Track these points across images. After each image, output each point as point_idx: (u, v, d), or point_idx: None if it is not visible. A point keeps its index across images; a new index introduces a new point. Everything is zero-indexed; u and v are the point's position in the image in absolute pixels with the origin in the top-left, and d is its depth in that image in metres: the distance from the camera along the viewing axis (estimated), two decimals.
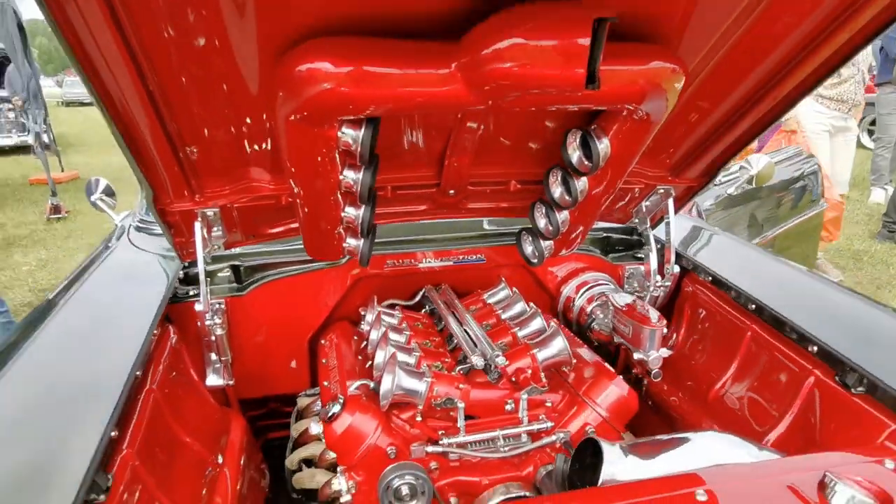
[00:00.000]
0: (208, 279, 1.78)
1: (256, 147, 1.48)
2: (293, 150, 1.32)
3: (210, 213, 1.63)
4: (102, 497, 1.08)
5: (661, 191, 1.98)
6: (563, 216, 1.77)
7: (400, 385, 1.48)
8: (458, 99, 1.17)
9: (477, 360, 1.59)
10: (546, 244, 1.91)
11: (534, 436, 1.58)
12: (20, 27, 7.99)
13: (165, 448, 1.42)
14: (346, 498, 1.47)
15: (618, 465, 1.26)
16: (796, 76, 1.47)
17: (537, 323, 1.79)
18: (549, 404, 1.64)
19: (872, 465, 1.22)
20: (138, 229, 2.32)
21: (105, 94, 1.17)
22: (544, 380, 1.63)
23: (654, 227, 2.14)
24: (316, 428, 1.72)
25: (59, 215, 7.71)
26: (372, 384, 1.59)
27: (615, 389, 1.64)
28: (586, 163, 1.53)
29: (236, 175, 1.57)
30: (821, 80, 1.51)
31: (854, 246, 6.51)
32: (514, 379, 1.62)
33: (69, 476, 1.05)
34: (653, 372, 1.91)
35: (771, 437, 1.61)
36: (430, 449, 1.50)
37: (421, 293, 2.15)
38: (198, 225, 1.63)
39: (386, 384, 1.49)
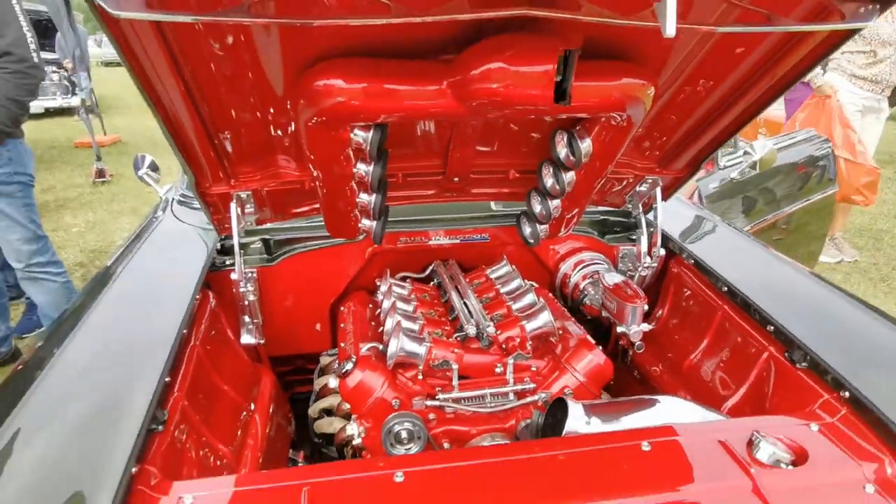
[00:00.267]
0: (242, 251, 2.03)
1: (283, 141, 1.72)
2: (312, 147, 1.55)
3: (243, 195, 1.88)
4: (160, 427, 1.37)
5: (651, 180, 2.16)
6: (555, 203, 1.98)
7: (403, 348, 1.73)
8: (450, 111, 1.39)
9: (470, 329, 1.84)
10: (541, 227, 2.13)
11: (519, 395, 1.82)
12: None
13: (207, 394, 1.70)
14: (357, 441, 1.75)
15: (581, 420, 1.50)
16: (765, 82, 1.63)
17: (529, 298, 2.01)
18: (534, 369, 1.88)
19: (799, 427, 1.43)
20: (180, 203, 2.60)
21: (158, 102, 1.41)
22: (529, 347, 1.86)
23: (647, 212, 2.33)
24: (334, 383, 2.00)
25: (104, 179, 8.11)
26: (381, 346, 1.85)
27: (593, 358, 1.86)
28: (572, 159, 1.74)
29: (266, 163, 1.81)
30: (790, 83, 1.66)
31: (877, 225, 6.51)
32: (504, 346, 1.86)
33: (136, 410, 1.33)
34: (636, 344, 2.13)
35: (729, 404, 1.83)
36: (428, 403, 1.75)
37: (430, 267, 2.39)
38: (233, 205, 1.88)
39: (392, 347, 1.74)
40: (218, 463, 1.59)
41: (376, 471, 1.29)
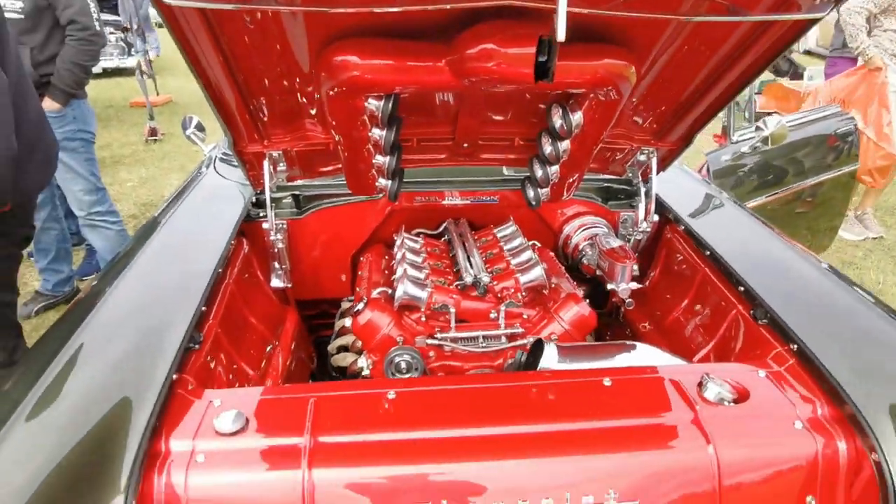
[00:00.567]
0: (274, 204, 2.30)
1: (309, 107, 1.96)
2: (333, 113, 1.79)
3: (275, 153, 2.13)
4: (197, 346, 1.66)
5: (647, 151, 2.33)
6: (553, 169, 2.17)
7: (407, 292, 1.98)
8: (448, 85, 1.61)
9: (467, 278, 2.08)
10: (543, 191, 2.33)
11: (510, 338, 2.05)
12: None
13: (237, 325, 1.99)
14: (365, 372, 2.02)
15: (553, 359, 1.73)
16: (740, 66, 1.79)
17: (527, 254, 2.23)
18: (525, 316, 2.10)
19: (748, 372, 1.62)
20: (222, 160, 2.88)
21: (202, 72, 1.66)
22: (521, 297, 2.09)
23: (645, 181, 2.49)
24: (350, 322, 2.27)
25: (156, 137, 8.54)
26: (390, 291, 2.10)
27: (578, 310, 2.07)
28: (565, 129, 1.93)
29: (294, 126, 2.05)
30: (771, 59, 1.80)
31: None
32: (499, 295, 2.09)
33: (176, 331, 1.61)
34: (626, 301, 2.33)
35: (700, 355, 2.03)
36: (429, 341, 2.00)
37: (443, 225, 2.62)
38: (266, 163, 2.14)
39: (399, 291, 1.99)
40: (245, 384, 1.89)
41: (373, 388, 1.55)
